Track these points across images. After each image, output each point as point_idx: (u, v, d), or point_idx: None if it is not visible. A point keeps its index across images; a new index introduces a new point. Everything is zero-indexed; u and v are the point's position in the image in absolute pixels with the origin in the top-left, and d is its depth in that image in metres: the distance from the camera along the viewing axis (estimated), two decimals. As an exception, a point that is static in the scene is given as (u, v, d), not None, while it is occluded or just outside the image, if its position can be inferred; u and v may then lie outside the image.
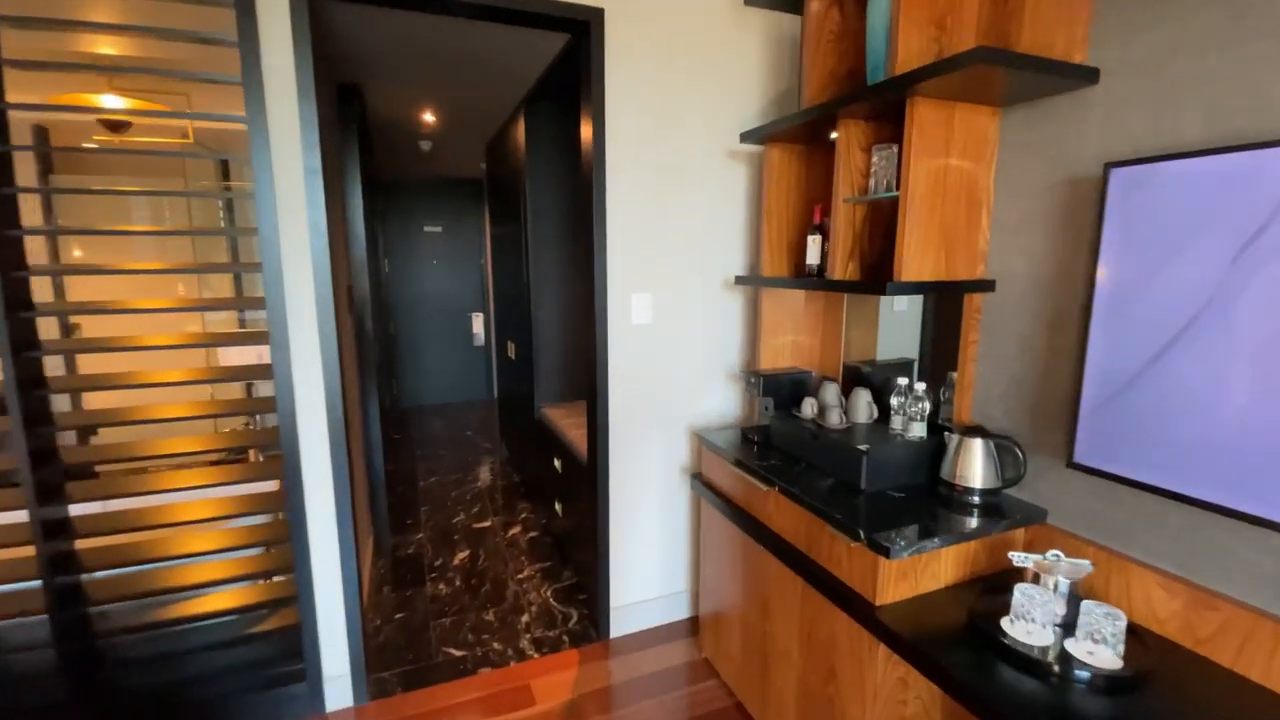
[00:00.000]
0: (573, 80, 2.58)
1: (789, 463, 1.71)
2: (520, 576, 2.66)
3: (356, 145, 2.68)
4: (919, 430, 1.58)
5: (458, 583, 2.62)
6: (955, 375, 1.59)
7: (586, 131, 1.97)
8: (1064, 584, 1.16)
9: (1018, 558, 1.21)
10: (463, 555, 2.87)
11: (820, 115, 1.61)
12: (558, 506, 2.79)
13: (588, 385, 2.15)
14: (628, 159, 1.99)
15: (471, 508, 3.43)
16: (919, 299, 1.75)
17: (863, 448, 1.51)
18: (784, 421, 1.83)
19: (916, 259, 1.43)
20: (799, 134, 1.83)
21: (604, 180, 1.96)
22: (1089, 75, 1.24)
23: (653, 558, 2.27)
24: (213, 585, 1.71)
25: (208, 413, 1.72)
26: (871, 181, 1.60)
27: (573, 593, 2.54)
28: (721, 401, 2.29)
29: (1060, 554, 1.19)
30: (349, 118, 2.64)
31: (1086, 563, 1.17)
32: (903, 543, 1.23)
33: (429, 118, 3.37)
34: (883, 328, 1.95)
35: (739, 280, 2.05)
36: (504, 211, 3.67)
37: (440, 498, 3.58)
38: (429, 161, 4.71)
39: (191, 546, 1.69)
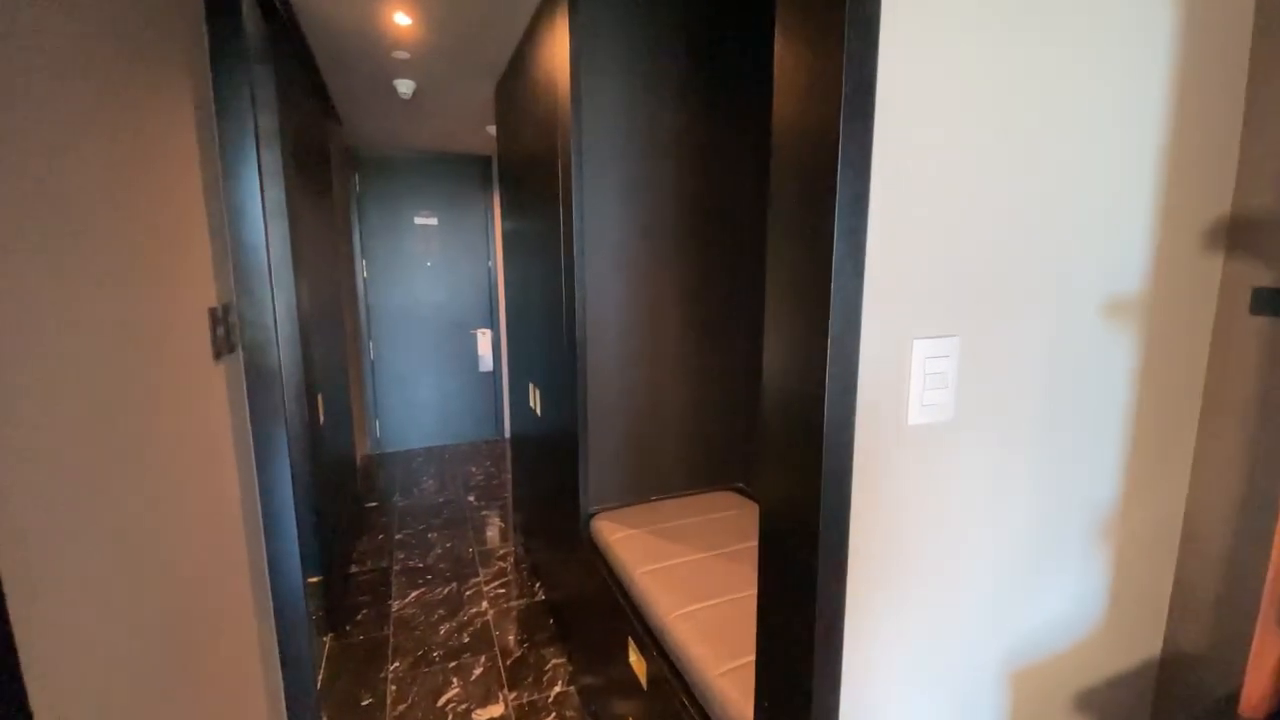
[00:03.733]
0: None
1: None
2: None
3: (244, 33, 1.37)
4: None
5: None
6: None
7: None
8: None
9: None
10: (453, 813, 1.54)
11: None
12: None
13: (800, 579, 0.82)
14: (920, 33, 0.66)
15: (472, 666, 2.10)
16: None
17: None
18: None
19: None
20: None
21: (873, 87, 0.64)
22: None
23: None
24: None
25: None
26: None
27: None
28: (1074, 599, 0.95)
29: None
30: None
31: None
32: None
33: (402, 20, 2.05)
34: None
35: None
36: (525, 189, 2.35)
37: (422, 638, 2.25)
38: (414, 120, 3.40)
39: None
